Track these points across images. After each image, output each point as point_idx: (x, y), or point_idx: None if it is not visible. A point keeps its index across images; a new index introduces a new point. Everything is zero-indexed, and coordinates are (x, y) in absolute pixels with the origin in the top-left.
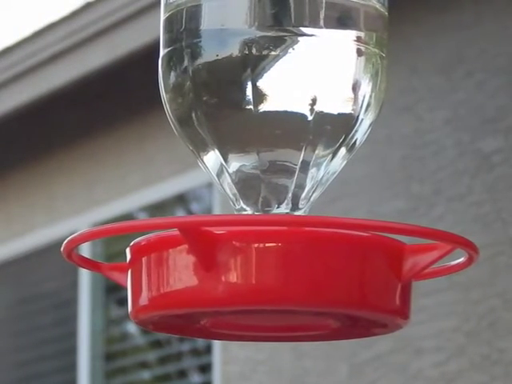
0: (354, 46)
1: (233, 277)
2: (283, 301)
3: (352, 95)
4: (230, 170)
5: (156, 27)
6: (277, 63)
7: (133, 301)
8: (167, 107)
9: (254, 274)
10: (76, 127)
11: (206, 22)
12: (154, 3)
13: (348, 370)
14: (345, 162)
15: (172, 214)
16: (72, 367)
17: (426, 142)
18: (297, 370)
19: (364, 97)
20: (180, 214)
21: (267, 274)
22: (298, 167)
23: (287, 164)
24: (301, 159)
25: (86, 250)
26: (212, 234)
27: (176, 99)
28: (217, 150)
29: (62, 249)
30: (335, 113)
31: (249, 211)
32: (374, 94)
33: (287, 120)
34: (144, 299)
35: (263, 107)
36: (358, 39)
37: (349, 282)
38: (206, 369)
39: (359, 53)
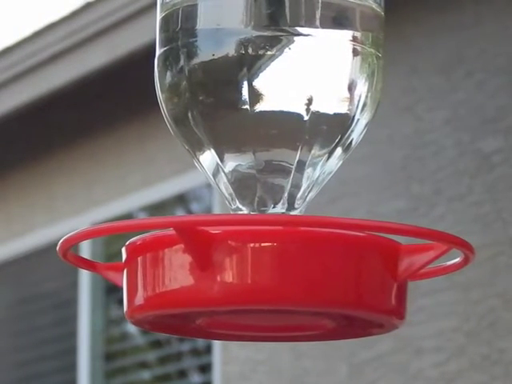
0: (350, 46)
1: (228, 276)
2: (279, 301)
3: (348, 95)
4: (226, 170)
5: (156, 27)
6: (273, 63)
7: (128, 300)
8: (163, 107)
9: (249, 273)
10: (76, 127)
11: (202, 22)
12: (154, 3)
13: (348, 370)
14: (341, 161)
15: (172, 214)
16: (72, 367)
17: (425, 142)
18: (296, 370)
19: (360, 97)
20: (179, 214)
21: (263, 273)
22: (293, 167)
23: (283, 164)
24: (297, 159)
25: (85, 250)
26: (208, 233)
27: (172, 99)
28: (213, 150)
29: (57, 248)
30: (331, 113)
31: (245, 211)
32: (370, 94)
33: (283, 120)
34: (139, 299)
35: (259, 107)
36: (354, 39)
37: (344, 282)
38: (205, 369)
39: (355, 53)
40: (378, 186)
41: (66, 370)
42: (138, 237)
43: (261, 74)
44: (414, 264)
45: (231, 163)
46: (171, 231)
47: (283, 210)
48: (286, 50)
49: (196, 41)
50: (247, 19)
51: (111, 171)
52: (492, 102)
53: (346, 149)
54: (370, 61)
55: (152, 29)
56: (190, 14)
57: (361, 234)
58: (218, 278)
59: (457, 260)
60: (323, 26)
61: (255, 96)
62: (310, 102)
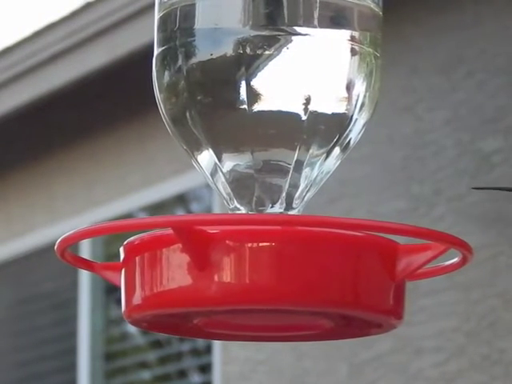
0: (348, 46)
1: (226, 276)
2: (276, 300)
3: (346, 95)
4: (224, 170)
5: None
6: (271, 62)
7: (126, 300)
8: (161, 106)
9: (247, 273)
10: (76, 127)
11: (200, 21)
12: (154, 3)
13: (348, 370)
14: (339, 161)
15: (171, 214)
16: (72, 367)
17: (426, 142)
18: (297, 370)
19: (358, 96)
20: (178, 214)
21: (261, 273)
22: (291, 167)
23: (281, 163)
24: (295, 159)
25: (85, 250)
26: (205, 233)
27: (170, 98)
28: (211, 150)
29: (55, 248)
30: (329, 112)
31: (243, 210)
32: (368, 94)
33: (281, 119)
34: (137, 298)
35: (257, 107)
36: (352, 39)
37: (342, 282)
38: (206, 369)
39: (353, 52)
40: (378, 186)
41: (66, 369)
42: (135, 236)
43: (259, 74)
44: (412, 264)
45: (229, 163)
46: (169, 231)
47: (281, 210)
48: (284, 49)
49: (194, 40)
50: (245, 19)
51: (111, 171)
52: (492, 102)
53: (344, 148)
54: (368, 60)
55: (152, 29)
56: (188, 13)
57: (359, 234)
58: (216, 278)
59: (455, 260)
60: (321, 25)
61: (253, 96)
62: (307, 101)
